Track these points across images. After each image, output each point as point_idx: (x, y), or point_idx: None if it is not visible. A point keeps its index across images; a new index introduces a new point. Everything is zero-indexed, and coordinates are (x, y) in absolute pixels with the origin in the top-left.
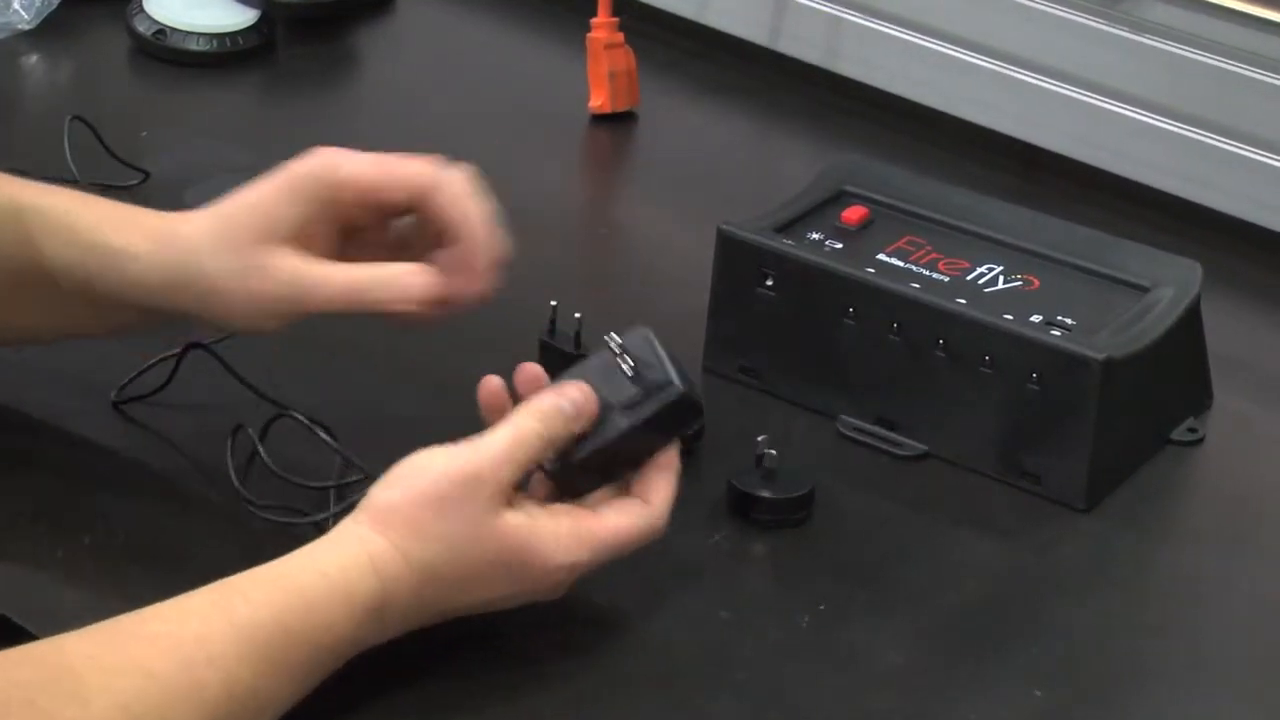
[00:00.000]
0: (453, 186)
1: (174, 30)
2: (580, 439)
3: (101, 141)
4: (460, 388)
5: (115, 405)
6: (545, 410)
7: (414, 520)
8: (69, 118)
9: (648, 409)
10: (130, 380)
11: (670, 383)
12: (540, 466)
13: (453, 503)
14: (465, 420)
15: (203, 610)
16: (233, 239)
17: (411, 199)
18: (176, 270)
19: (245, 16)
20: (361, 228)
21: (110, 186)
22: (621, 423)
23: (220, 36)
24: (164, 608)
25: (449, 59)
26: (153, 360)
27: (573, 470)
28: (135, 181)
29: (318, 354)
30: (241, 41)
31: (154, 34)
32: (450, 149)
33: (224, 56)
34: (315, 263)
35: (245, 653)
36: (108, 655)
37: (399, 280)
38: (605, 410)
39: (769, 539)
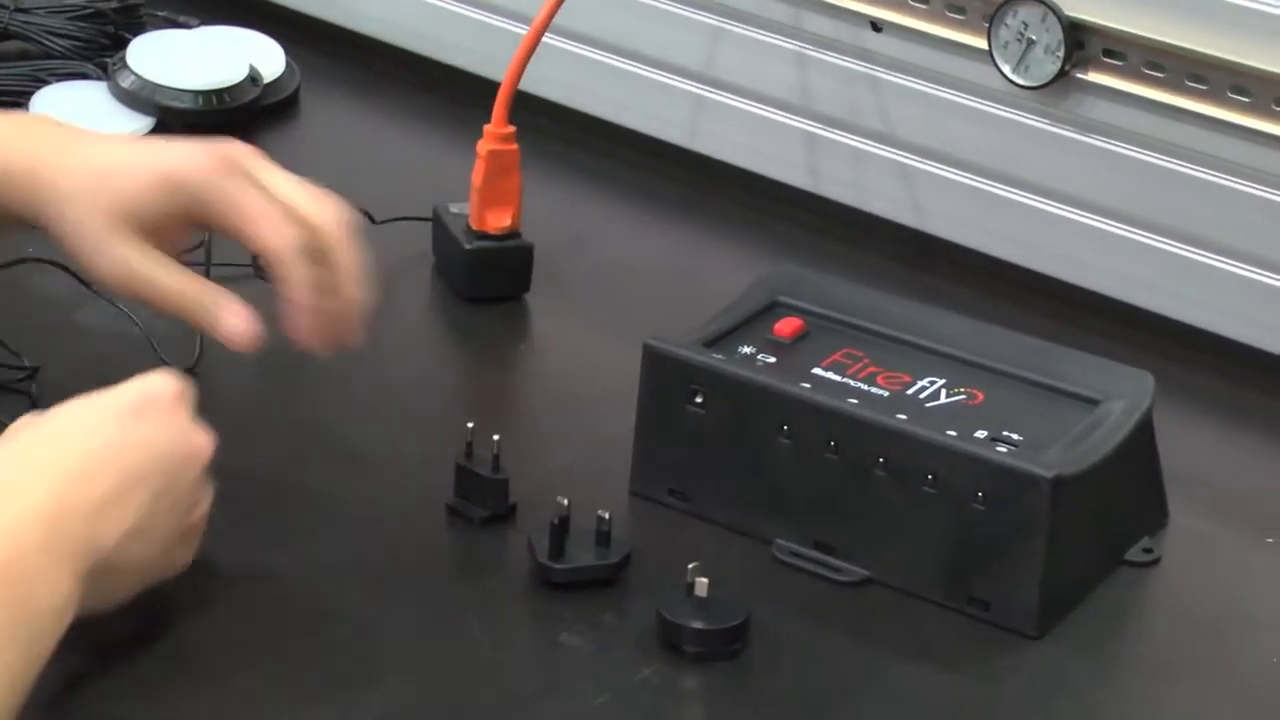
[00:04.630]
0: (327, 237)
1: None
2: None
3: None
4: (370, 516)
5: None
6: None
7: None
8: None
9: None
10: None
11: None
12: None
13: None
14: (372, 550)
15: None
16: (93, 205)
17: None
18: (28, 194)
19: (138, 124)
20: None
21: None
22: None
23: None
24: None
25: (356, 164)
26: None
27: None
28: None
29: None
30: None
31: None
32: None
33: None
34: (153, 261)
35: None
36: None
37: (220, 319)
38: None
39: (701, 672)
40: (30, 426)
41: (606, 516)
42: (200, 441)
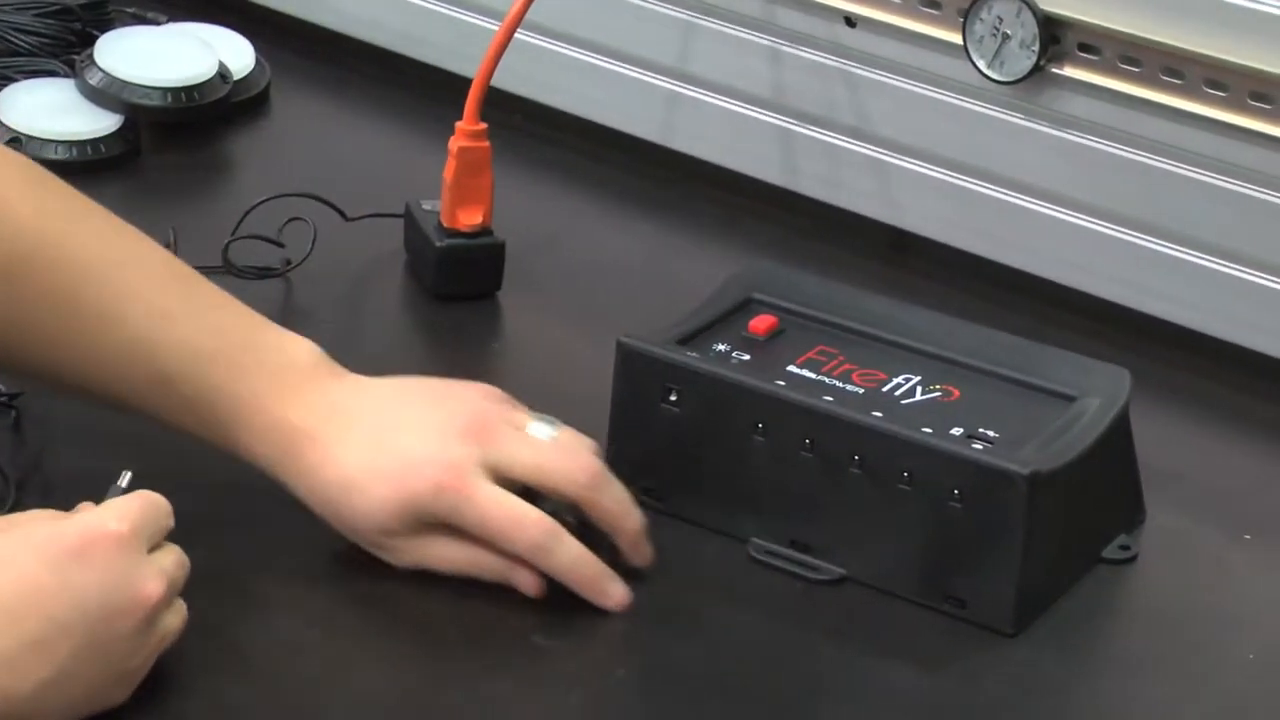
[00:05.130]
0: (579, 500)
1: (30, 138)
2: None
3: None
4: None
5: None
6: None
7: None
8: None
9: None
10: None
11: None
12: None
13: None
14: (341, 548)
15: None
16: (347, 523)
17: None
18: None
19: (107, 122)
20: None
21: None
22: None
23: (80, 144)
24: None
25: (327, 161)
26: None
27: None
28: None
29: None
30: (104, 149)
31: (8, 142)
32: (332, 259)
33: (85, 165)
34: (429, 547)
35: None
36: None
37: (510, 581)
38: None
39: (676, 672)
40: None
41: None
42: (146, 589)
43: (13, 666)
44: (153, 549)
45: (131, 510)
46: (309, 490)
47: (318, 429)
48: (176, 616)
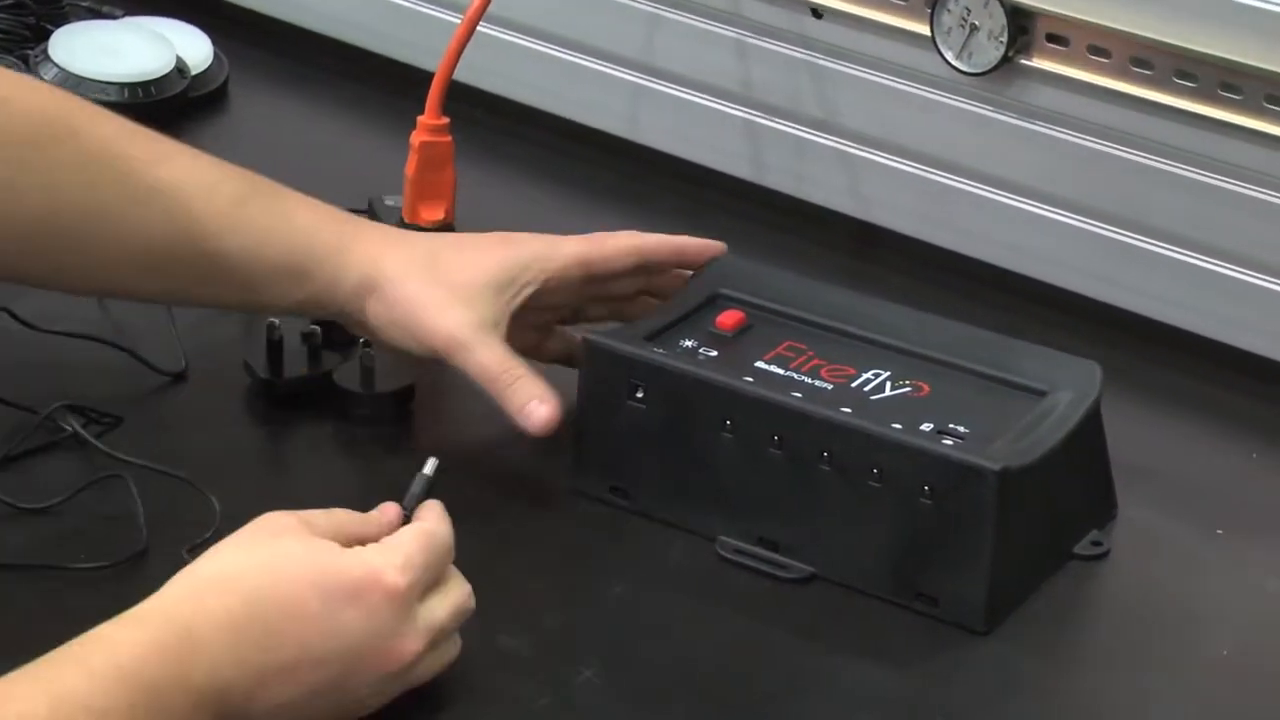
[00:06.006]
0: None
1: None
2: None
3: None
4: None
5: None
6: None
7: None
8: None
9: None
10: None
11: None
12: None
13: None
14: None
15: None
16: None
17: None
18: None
19: None
20: None
21: None
22: None
23: None
24: None
25: (288, 157)
26: None
27: None
28: None
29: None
30: None
31: None
32: None
33: None
34: (475, 347)
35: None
36: None
37: (523, 409)
38: None
39: (644, 673)
40: (258, 540)
41: (316, 330)
42: (404, 647)
43: (263, 681)
44: (433, 589)
45: (415, 561)
46: (399, 302)
47: (383, 262)
48: (448, 651)
